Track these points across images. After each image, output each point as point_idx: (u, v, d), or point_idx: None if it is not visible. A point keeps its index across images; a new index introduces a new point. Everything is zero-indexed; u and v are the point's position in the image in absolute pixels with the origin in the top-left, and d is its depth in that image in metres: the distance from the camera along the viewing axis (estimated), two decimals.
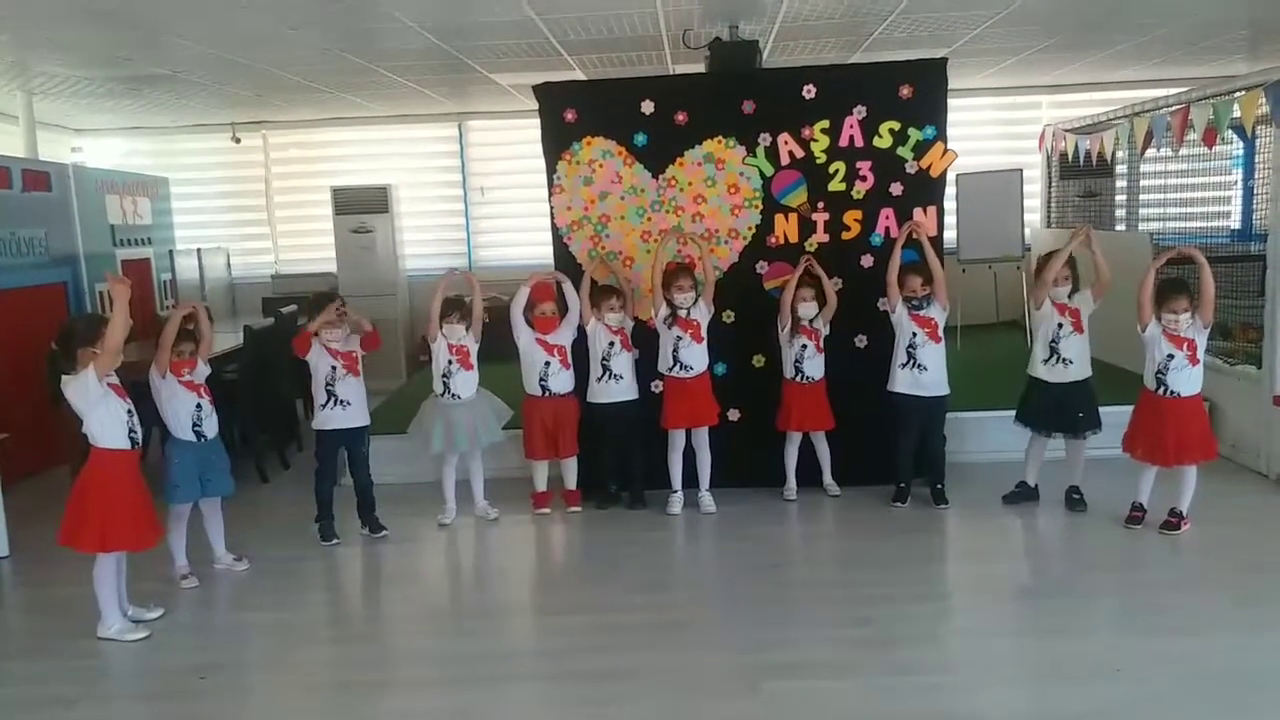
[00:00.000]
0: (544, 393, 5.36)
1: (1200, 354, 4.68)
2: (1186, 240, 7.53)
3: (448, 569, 5.10)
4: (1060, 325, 5.03)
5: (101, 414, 3.95)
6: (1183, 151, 7.06)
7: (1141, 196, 8.30)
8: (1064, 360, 5.03)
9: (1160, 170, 7.78)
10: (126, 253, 8.39)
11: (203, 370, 4.66)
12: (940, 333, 5.22)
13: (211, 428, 4.64)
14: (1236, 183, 8.09)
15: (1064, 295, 5.05)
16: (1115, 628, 3.90)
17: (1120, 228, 8.52)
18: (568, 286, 5.44)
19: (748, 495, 5.50)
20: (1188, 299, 4.66)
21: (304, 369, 5.12)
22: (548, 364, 5.35)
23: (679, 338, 5.30)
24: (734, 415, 5.55)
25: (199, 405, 4.58)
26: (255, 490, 6.16)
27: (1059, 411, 5.09)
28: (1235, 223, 8.38)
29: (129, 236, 8.49)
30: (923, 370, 5.19)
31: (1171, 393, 4.70)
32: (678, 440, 5.44)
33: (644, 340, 5.47)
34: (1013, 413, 5.29)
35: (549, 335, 5.36)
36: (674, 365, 5.33)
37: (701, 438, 5.42)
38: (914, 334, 5.19)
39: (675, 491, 5.48)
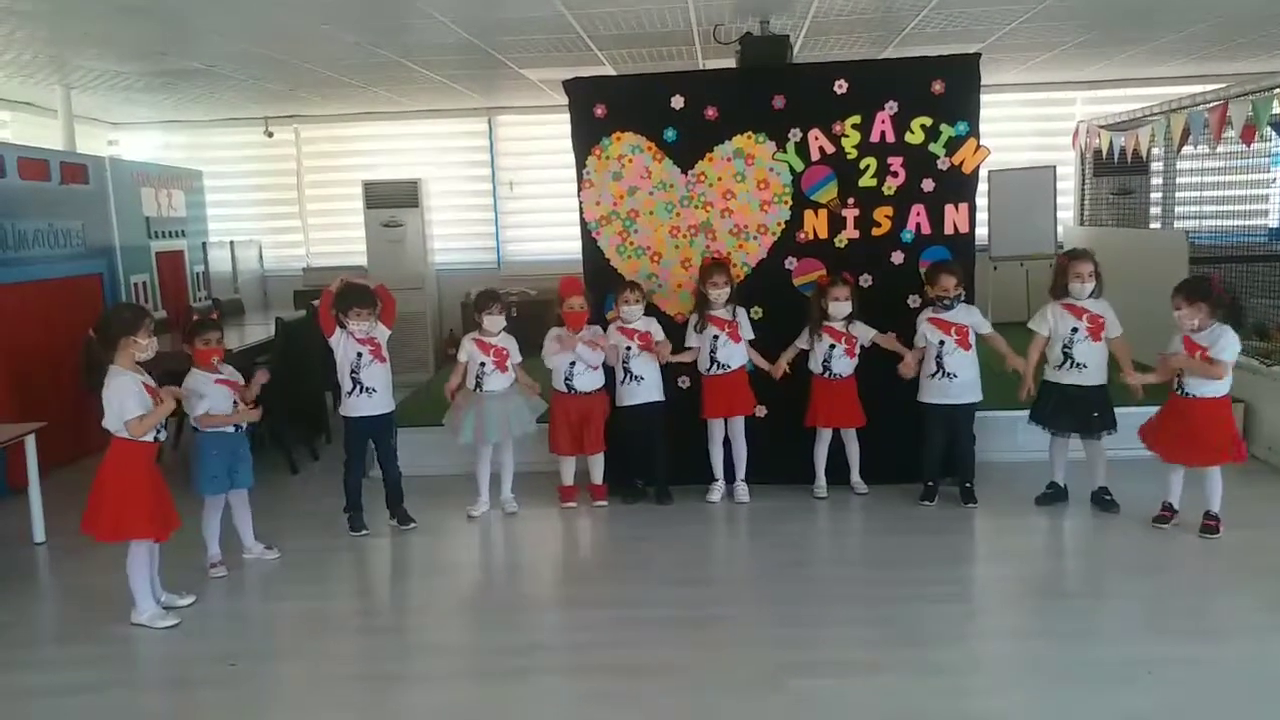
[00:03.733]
0: (569, 391, 5.37)
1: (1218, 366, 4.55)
2: (1223, 239, 7.44)
3: (475, 561, 5.11)
4: (1075, 329, 4.95)
5: (133, 409, 3.99)
6: (1220, 149, 6.96)
7: (1177, 194, 8.19)
8: (1078, 365, 4.96)
9: (1197, 168, 7.68)
10: (161, 245, 8.50)
11: (230, 368, 4.74)
12: (971, 339, 5.16)
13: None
14: (1275, 181, 7.98)
15: (1085, 295, 4.96)
16: (1145, 631, 3.85)
17: (1155, 225, 8.41)
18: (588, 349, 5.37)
19: (777, 492, 5.49)
20: (1183, 298, 4.57)
21: (333, 360, 5.15)
22: (573, 364, 5.35)
23: (716, 336, 5.30)
24: (761, 412, 5.53)
25: (235, 401, 4.64)
26: (285, 481, 6.22)
27: (1072, 411, 5.02)
28: (1273, 221, 8.26)
29: (163, 229, 8.59)
30: (953, 378, 5.14)
31: (1186, 393, 4.64)
32: (716, 431, 5.46)
33: (671, 333, 5.47)
34: None
35: (576, 336, 5.35)
36: (711, 365, 5.33)
37: (738, 429, 5.43)
38: (941, 341, 5.14)
39: (716, 480, 5.50)
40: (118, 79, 7.67)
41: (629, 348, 5.35)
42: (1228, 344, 4.53)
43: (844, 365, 5.32)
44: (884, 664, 3.59)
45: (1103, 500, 5.12)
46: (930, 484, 5.34)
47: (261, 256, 10.56)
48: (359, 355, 5.02)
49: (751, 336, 5.40)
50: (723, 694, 3.44)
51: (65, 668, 3.85)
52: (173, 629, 4.12)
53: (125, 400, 3.98)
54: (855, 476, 5.52)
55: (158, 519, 4.11)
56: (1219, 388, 4.60)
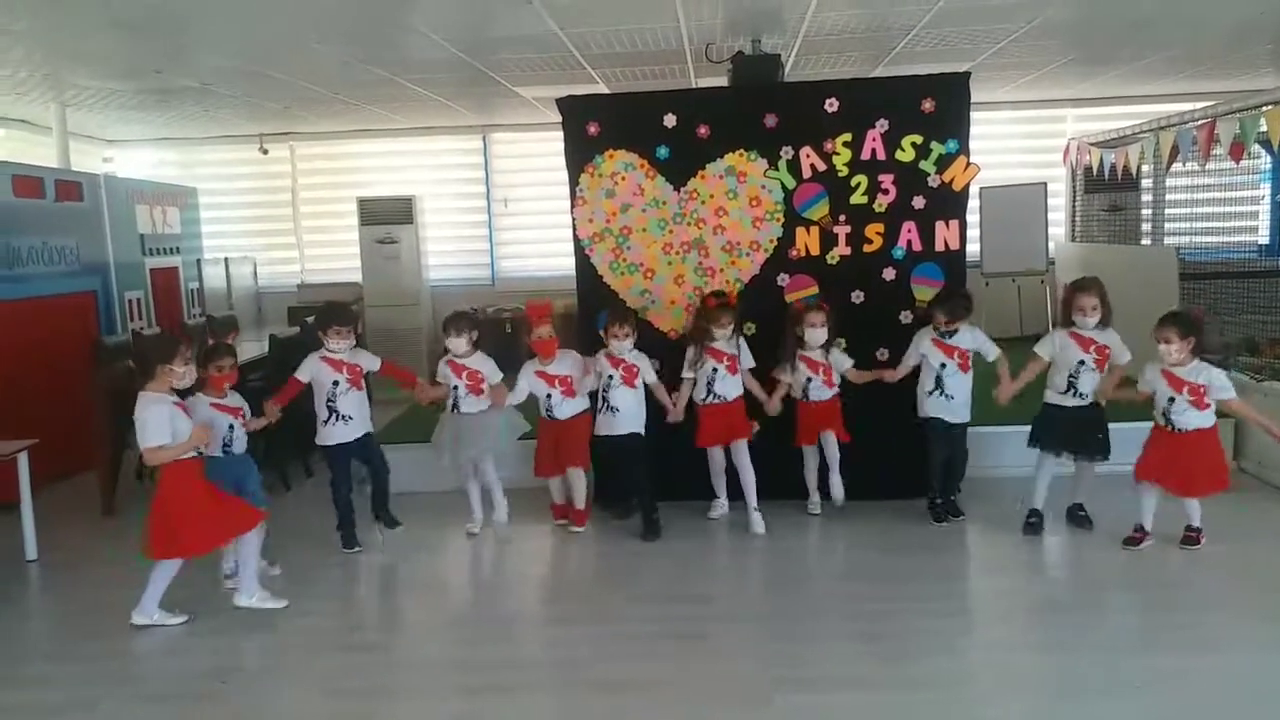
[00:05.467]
0: (550, 418, 5.32)
1: (1209, 399, 4.59)
2: (1212, 255, 7.49)
3: (466, 578, 5.12)
4: (1082, 362, 4.92)
5: (153, 437, 4.06)
6: (1209, 166, 7.01)
7: (1167, 211, 8.26)
8: (1080, 394, 4.95)
9: (1186, 184, 7.74)
10: (155, 262, 8.51)
11: (236, 396, 4.76)
12: (970, 362, 5.16)
13: (241, 445, 4.71)
14: (1264, 197, 8.05)
15: (1090, 326, 4.92)
16: (1135, 644, 3.86)
17: (1146, 242, 8.47)
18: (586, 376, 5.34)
19: (768, 508, 5.44)
20: (1177, 331, 4.57)
21: None
22: (549, 395, 5.28)
23: (715, 369, 5.23)
24: (754, 427, 5.51)
25: (232, 425, 4.65)
26: (279, 498, 6.20)
27: (1073, 433, 5.00)
28: (1263, 237, 8.33)
29: (158, 246, 8.62)
30: (950, 399, 5.14)
31: (1178, 429, 4.64)
32: (717, 457, 5.40)
33: (662, 350, 5.47)
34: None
35: (549, 366, 5.30)
36: (708, 396, 5.25)
37: (743, 458, 5.30)
38: (943, 364, 5.14)
39: (718, 498, 5.48)
40: (112, 96, 7.70)
41: (610, 377, 5.24)
42: (1224, 382, 4.61)
43: (824, 393, 5.29)
44: (875, 679, 3.59)
45: (1076, 516, 5.14)
46: (939, 501, 5.29)
47: (256, 273, 10.58)
48: (335, 383, 4.99)
49: (752, 365, 5.34)
50: (713, 710, 3.44)
51: (56, 685, 3.84)
52: (158, 641, 4.15)
53: (147, 425, 4.07)
54: (835, 476, 5.34)
55: (229, 524, 4.27)
56: (1208, 419, 4.63)
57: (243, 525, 4.32)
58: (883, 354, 5.50)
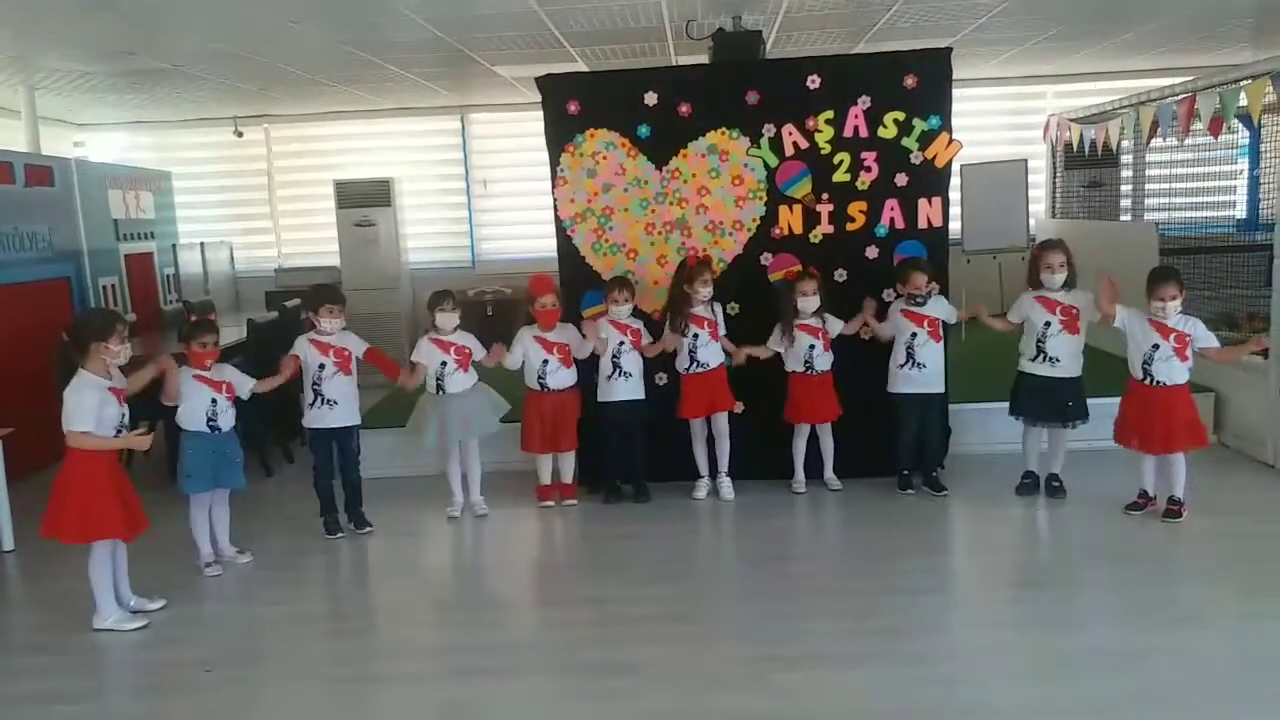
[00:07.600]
0: (542, 389, 5.34)
1: (1190, 351, 4.64)
2: (1192, 230, 7.52)
3: (451, 562, 5.09)
4: (1048, 324, 4.97)
5: (81, 421, 3.93)
6: (1188, 141, 7.02)
7: (1147, 186, 8.27)
8: (1051, 359, 4.99)
9: (1166, 160, 7.75)
10: (129, 247, 8.39)
11: (226, 370, 4.71)
12: (941, 331, 5.20)
13: (227, 421, 4.66)
14: (1242, 172, 8.08)
15: (1057, 285, 4.97)
16: (1123, 619, 3.88)
17: (1126, 218, 8.49)
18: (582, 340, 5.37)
19: (754, 487, 5.49)
20: (1177, 286, 4.63)
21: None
22: (546, 362, 5.30)
23: (696, 335, 5.28)
24: (739, 408, 5.52)
25: (214, 400, 4.59)
26: (260, 484, 6.15)
27: (1048, 400, 5.05)
28: (1241, 212, 8.36)
29: (132, 231, 8.49)
30: (922, 368, 5.18)
31: (1157, 382, 4.68)
32: (699, 429, 5.46)
33: (648, 330, 5.44)
34: None
35: (549, 333, 5.33)
36: (690, 364, 5.31)
37: (721, 424, 5.42)
38: (913, 333, 5.17)
39: (701, 477, 5.51)
40: (83, 79, 7.56)
41: (621, 343, 5.32)
42: (1207, 331, 4.70)
43: (824, 361, 5.32)
44: (866, 656, 3.59)
45: (1051, 487, 5.19)
46: (905, 472, 5.37)
47: (232, 258, 10.45)
48: (321, 366, 4.95)
49: (724, 332, 5.39)
50: (706, 690, 3.44)
51: (38, 677, 3.79)
52: (143, 631, 4.09)
53: (77, 409, 3.93)
54: (829, 473, 5.53)
55: (125, 518, 4.06)
56: (1184, 373, 4.68)
57: (136, 527, 4.13)
58: (865, 332, 5.46)
